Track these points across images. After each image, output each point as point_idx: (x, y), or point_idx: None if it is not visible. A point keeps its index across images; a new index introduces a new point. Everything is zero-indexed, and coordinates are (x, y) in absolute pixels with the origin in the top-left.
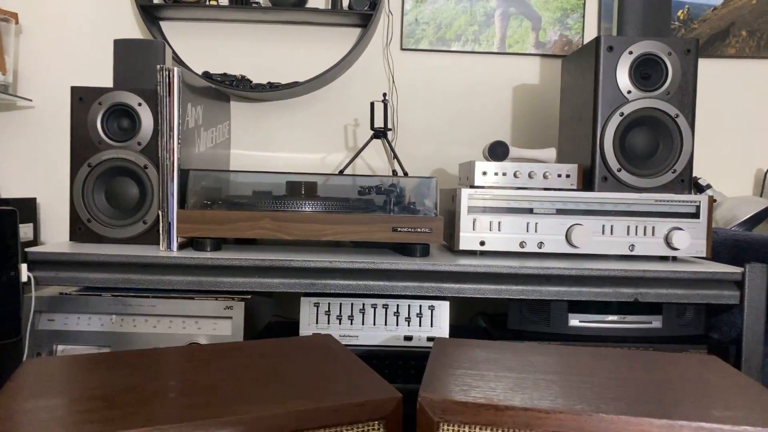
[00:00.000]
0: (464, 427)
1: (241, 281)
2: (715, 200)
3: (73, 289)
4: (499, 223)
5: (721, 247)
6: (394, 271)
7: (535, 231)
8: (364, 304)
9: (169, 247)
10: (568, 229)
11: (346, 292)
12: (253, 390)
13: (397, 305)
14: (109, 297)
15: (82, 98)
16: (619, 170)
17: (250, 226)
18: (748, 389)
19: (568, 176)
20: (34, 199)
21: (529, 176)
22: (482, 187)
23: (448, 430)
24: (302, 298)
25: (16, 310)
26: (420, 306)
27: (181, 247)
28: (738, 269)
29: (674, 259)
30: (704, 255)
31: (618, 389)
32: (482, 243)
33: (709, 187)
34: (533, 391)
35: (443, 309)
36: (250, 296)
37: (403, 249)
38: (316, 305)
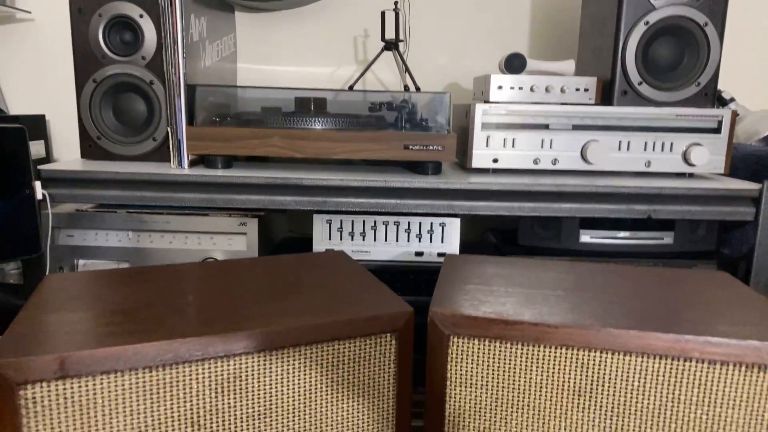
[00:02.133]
0: (474, 340)
1: (253, 198)
2: (737, 114)
3: (89, 205)
4: (513, 139)
5: (741, 162)
6: (405, 189)
7: (550, 147)
8: (375, 221)
9: (180, 164)
10: (584, 145)
11: (358, 210)
12: (269, 305)
13: (408, 222)
14: (124, 213)
15: (81, 9)
16: (640, 83)
17: (260, 143)
18: (756, 305)
19: (586, 90)
20: (43, 116)
21: (546, 90)
22: (497, 102)
23: (458, 342)
24: (315, 215)
25: (35, 226)
26: (431, 223)
27: (191, 164)
28: (756, 186)
29: (691, 175)
30: (722, 171)
31: (627, 305)
32: (495, 160)
33: (732, 100)
34: (543, 306)
35: (454, 226)
36: (263, 213)
37: (415, 167)
38: (329, 222)
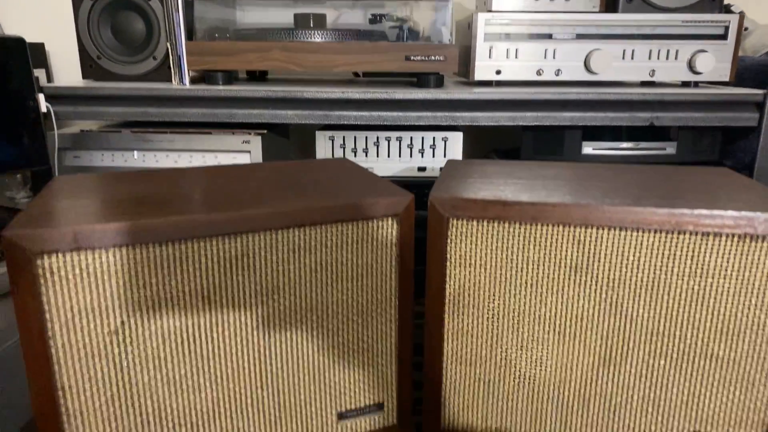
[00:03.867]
0: (473, 221)
1: (255, 113)
2: (746, 28)
3: (95, 126)
4: (516, 50)
5: (747, 73)
6: (407, 101)
7: (554, 57)
8: (378, 137)
9: (181, 81)
10: (587, 54)
11: (360, 124)
12: (275, 193)
13: (411, 137)
14: (128, 133)
15: None
16: None
17: (260, 57)
18: (754, 189)
19: None
20: (42, 44)
21: None
22: (500, 12)
23: (457, 224)
24: (317, 132)
25: (41, 138)
26: (433, 138)
27: (193, 81)
28: (760, 91)
29: (696, 84)
30: (728, 79)
31: (626, 190)
32: (498, 72)
33: (741, 13)
34: (541, 191)
35: (456, 140)
36: (266, 130)
37: (418, 82)
38: (331, 138)
